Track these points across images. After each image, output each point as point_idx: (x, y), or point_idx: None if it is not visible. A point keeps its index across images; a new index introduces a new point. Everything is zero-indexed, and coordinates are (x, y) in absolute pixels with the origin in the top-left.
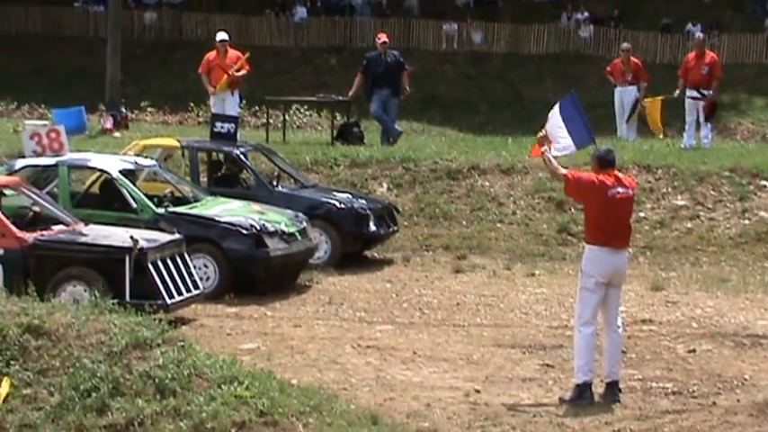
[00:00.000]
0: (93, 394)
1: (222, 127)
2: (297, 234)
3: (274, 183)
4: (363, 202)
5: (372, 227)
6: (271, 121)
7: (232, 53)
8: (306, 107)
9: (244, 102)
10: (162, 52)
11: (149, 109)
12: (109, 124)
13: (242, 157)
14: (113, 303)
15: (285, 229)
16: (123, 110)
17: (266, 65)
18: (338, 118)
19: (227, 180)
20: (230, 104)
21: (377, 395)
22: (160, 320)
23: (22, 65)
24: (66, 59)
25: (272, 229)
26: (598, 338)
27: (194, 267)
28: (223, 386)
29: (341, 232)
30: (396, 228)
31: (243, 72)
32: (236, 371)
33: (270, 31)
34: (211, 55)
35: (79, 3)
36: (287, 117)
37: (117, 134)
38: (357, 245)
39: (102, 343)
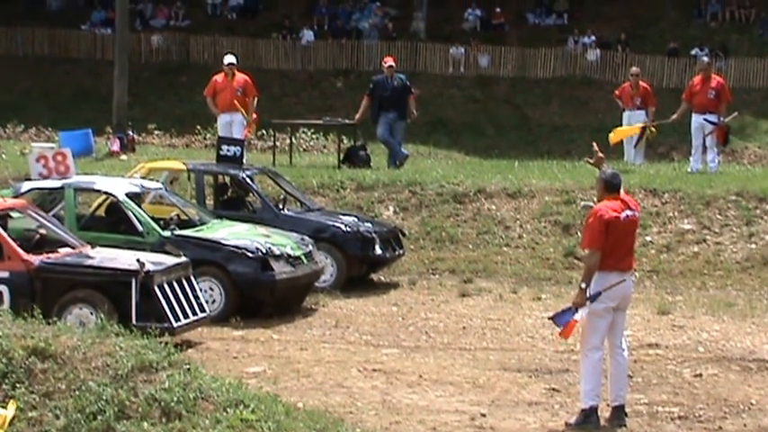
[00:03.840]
0: (99, 417)
1: (228, 150)
2: (302, 257)
3: (280, 206)
4: (369, 225)
5: (378, 250)
6: (277, 144)
7: (239, 76)
8: (312, 130)
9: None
10: (169, 75)
11: (156, 132)
12: (115, 147)
13: (248, 180)
14: (119, 326)
15: (291, 253)
16: (130, 132)
17: (273, 88)
18: (345, 141)
19: (233, 203)
20: (237, 128)
21: (383, 419)
22: (166, 343)
23: (30, 87)
24: (73, 82)
25: (277, 252)
26: (604, 363)
27: (200, 290)
28: (229, 409)
29: (346, 255)
30: (401, 251)
31: (255, 101)
32: (242, 394)
33: (277, 54)
34: (218, 78)
35: (86, 25)
36: (293, 140)
37: (123, 157)
38: (363, 268)
39: (107, 366)
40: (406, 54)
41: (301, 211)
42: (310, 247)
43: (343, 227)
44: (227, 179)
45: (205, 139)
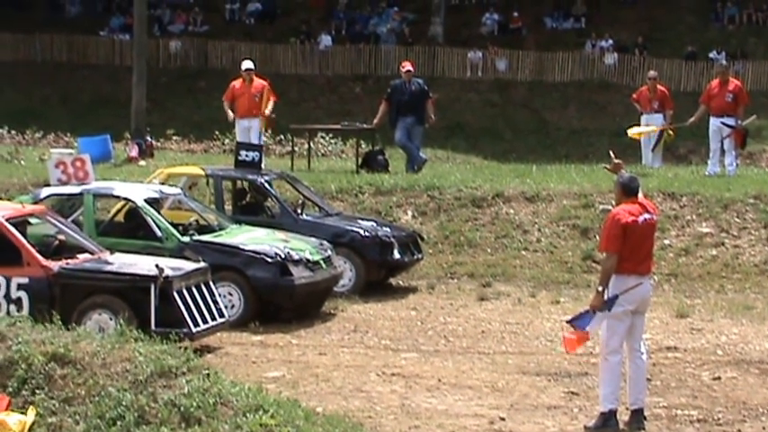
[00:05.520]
0: (119, 423)
1: (247, 155)
2: (321, 262)
3: (299, 211)
4: (387, 230)
5: (396, 254)
6: (296, 149)
7: (257, 82)
8: (331, 135)
9: (269, 130)
10: (187, 80)
11: (174, 137)
12: (134, 152)
13: (266, 185)
14: (138, 331)
15: (310, 258)
16: (149, 138)
17: (291, 93)
18: (363, 146)
19: (251, 208)
20: (255, 133)
21: (402, 423)
22: (185, 349)
23: (48, 93)
24: (91, 88)
25: (296, 257)
26: (623, 366)
27: (219, 295)
28: (248, 414)
29: (365, 260)
30: (420, 255)
31: (272, 104)
32: (262, 399)
33: (295, 59)
34: (237, 83)
35: (105, 31)
36: (312, 145)
37: (142, 162)
38: (381, 273)
39: (127, 371)
40: (424, 59)
41: (320, 215)
42: (329, 251)
43: (361, 231)
44: (246, 184)
45: (223, 144)
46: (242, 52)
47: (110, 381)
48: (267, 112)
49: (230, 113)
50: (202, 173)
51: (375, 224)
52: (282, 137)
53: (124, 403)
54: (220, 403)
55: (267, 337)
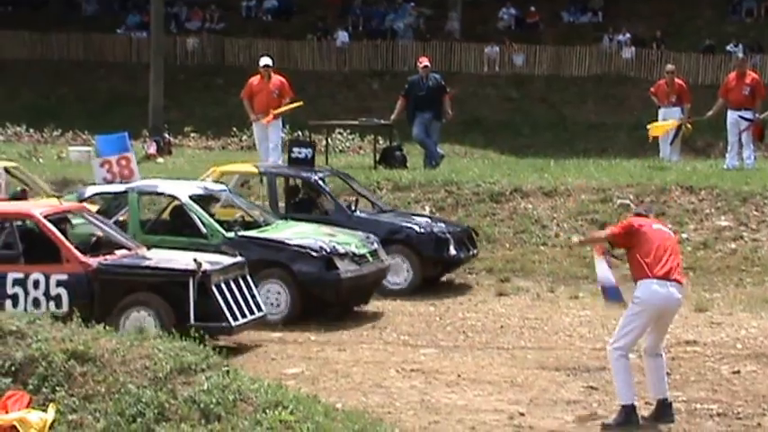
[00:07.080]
0: (139, 419)
1: (300, 152)
2: (368, 255)
3: (352, 207)
4: (442, 225)
5: (453, 250)
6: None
7: (275, 78)
8: (348, 131)
9: (287, 126)
10: (205, 77)
11: (192, 134)
12: (152, 150)
13: (320, 182)
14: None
15: (356, 251)
16: (166, 135)
17: (309, 89)
18: (381, 142)
19: (305, 205)
20: (273, 130)
21: (421, 419)
22: (204, 345)
23: (66, 91)
24: (109, 86)
25: (342, 251)
26: (641, 361)
27: (266, 291)
28: (268, 411)
29: (421, 257)
30: (476, 251)
31: (286, 101)
32: (281, 395)
33: (312, 55)
34: (254, 80)
35: (122, 29)
36: (330, 141)
37: (160, 159)
38: (438, 269)
39: (146, 368)
40: (441, 54)
41: (373, 212)
42: (376, 245)
43: (417, 228)
44: (299, 182)
45: (241, 141)
46: (259, 49)
47: (129, 378)
48: (276, 111)
49: (252, 114)
50: (255, 171)
51: (430, 220)
52: (300, 133)
53: (144, 400)
54: (240, 400)
55: (286, 333)
